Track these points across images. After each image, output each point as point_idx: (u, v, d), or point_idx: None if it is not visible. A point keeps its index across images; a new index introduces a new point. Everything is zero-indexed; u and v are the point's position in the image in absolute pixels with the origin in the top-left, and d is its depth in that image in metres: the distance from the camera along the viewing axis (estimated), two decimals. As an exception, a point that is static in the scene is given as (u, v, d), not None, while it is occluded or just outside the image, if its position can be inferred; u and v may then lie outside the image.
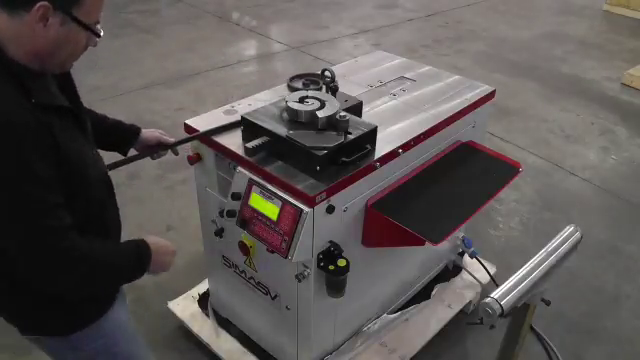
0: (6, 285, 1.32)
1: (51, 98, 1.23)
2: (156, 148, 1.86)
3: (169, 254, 1.47)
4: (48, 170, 1.14)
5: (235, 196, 1.78)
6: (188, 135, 1.93)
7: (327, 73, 1.98)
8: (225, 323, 2.40)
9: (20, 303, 1.38)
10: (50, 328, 1.41)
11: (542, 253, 1.53)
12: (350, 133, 1.72)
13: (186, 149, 1.98)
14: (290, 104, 1.78)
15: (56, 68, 1.27)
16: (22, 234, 1.14)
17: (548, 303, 1.55)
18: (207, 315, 2.43)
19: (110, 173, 1.50)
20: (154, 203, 3.36)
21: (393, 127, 1.99)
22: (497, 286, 1.45)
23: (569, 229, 1.62)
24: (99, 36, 1.26)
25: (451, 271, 2.74)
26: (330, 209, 1.69)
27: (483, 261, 2.69)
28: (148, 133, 1.84)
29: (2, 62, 1.16)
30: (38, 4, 1.12)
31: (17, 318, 1.43)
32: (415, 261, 2.47)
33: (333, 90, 1.96)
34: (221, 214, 1.93)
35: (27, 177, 1.11)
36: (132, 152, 1.83)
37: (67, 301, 1.36)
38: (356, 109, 1.97)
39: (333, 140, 1.68)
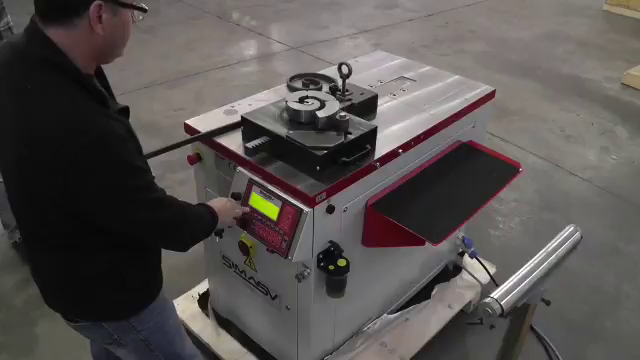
0: (76, 274, 1.41)
1: (114, 102, 1.34)
2: None
3: (230, 214, 1.67)
4: (141, 157, 1.32)
5: (235, 196, 1.78)
6: (189, 136, 1.93)
7: (344, 68, 1.97)
8: (225, 323, 2.40)
9: (87, 290, 1.44)
10: (113, 312, 1.50)
11: (542, 253, 1.53)
12: (350, 133, 1.72)
13: (186, 149, 1.98)
14: (290, 104, 1.78)
15: (115, 57, 1.33)
16: (146, 214, 1.32)
17: (548, 303, 1.55)
18: (207, 315, 2.42)
19: None
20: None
21: (393, 127, 1.99)
22: (497, 286, 1.44)
23: (569, 229, 1.62)
24: (146, 11, 1.29)
25: (451, 271, 2.74)
26: (330, 209, 1.69)
27: (483, 261, 2.69)
28: None
29: (79, 77, 1.22)
30: (92, 5, 1.16)
31: (78, 305, 1.49)
32: (415, 261, 2.47)
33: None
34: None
35: (133, 173, 1.26)
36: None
37: (131, 284, 1.47)
38: (372, 102, 2.02)
39: (333, 140, 1.67)
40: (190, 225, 1.49)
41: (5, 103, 1.23)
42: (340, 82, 2.00)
